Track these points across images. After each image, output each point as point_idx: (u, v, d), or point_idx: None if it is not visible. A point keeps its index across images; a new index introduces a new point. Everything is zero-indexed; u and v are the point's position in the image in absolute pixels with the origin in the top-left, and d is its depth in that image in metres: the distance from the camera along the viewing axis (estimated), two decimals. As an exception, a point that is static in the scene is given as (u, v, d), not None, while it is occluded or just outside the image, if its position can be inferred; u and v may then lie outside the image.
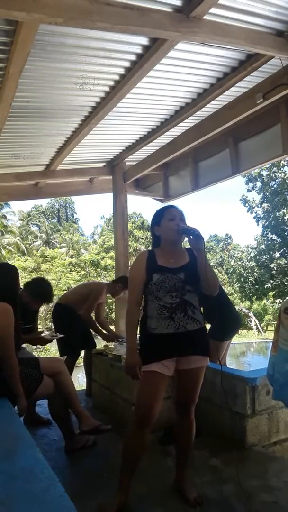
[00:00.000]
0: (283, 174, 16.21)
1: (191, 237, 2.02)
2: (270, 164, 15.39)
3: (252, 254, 18.52)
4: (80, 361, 4.34)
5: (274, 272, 17.58)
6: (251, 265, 18.47)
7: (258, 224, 17.74)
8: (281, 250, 17.66)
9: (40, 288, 3.42)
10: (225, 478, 2.32)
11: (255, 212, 17.49)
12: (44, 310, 21.92)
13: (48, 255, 26.27)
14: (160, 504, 2.07)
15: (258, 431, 2.76)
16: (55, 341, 3.64)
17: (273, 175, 16.39)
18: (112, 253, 21.89)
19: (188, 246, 2.16)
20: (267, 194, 16.68)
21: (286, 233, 17.27)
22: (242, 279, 19.09)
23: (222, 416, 2.92)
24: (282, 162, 15.38)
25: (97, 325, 4.10)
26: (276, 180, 16.46)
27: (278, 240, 17.70)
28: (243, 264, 18.87)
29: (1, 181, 4.89)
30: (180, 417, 2.16)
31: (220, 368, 2.57)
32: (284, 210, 16.24)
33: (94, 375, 3.85)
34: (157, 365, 1.98)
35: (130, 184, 5.64)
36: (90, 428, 2.87)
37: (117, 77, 2.99)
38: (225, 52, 2.82)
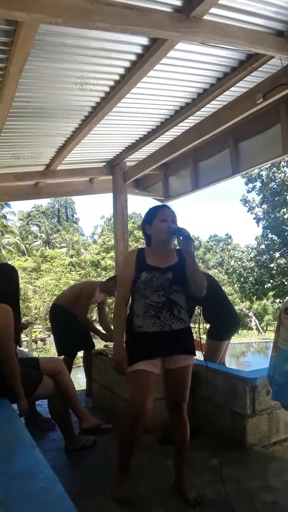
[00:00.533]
0: (283, 174, 16.21)
1: (181, 238, 2.03)
2: (270, 165, 15.40)
3: (252, 255, 18.53)
4: (80, 361, 4.35)
5: (274, 272, 17.58)
6: (251, 265, 18.48)
7: (258, 225, 17.76)
8: (281, 250, 17.67)
9: None
10: (225, 478, 2.31)
11: (255, 213, 17.50)
12: (44, 310, 21.97)
13: (48, 255, 26.30)
14: (160, 504, 2.07)
15: (258, 431, 2.76)
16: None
17: (273, 176, 16.39)
18: (112, 253, 21.91)
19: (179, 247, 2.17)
20: (267, 194, 16.68)
21: (286, 233, 17.27)
22: (242, 279, 19.09)
23: (222, 416, 2.92)
24: (282, 162, 15.39)
25: (93, 325, 4.11)
26: (276, 181, 16.46)
27: (278, 240, 17.71)
28: (243, 264, 18.88)
29: (1, 181, 4.89)
30: (173, 417, 2.16)
31: (205, 364, 2.66)
32: (284, 210, 16.24)
33: (94, 375, 3.86)
34: (143, 363, 2.01)
35: (130, 184, 5.64)
36: (90, 426, 2.87)
37: (117, 77, 2.99)
38: (225, 52, 2.82)
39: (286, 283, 17.41)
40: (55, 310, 4.09)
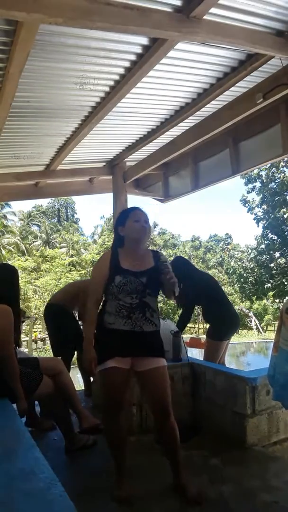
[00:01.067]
0: (283, 174, 16.22)
1: (167, 277, 2.05)
2: (270, 165, 15.41)
3: (252, 255, 18.53)
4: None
5: (274, 272, 17.59)
6: (251, 266, 18.48)
7: (258, 225, 17.77)
8: (281, 250, 17.68)
9: None
10: (225, 478, 2.31)
11: (255, 213, 17.51)
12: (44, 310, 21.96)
13: (48, 255, 26.29)
14: (160, 504, 2.06)
15: (258, 431, 2.76)
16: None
17: (272, 176, 16.41)
18: (112, 253, 21.82)
19: (153, 247, 2.19)
20: (267, 194, 16.69)
21: (286, 233, 17.28)
22: (242, 279, 19.11)
23: (222, 416, 2.92)
24: (281, 163, 15.40)
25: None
26: (276, 181, 16.47)
27: (278, 240, 17.71)
28: (243, 265, 18.88)
29: (1, 181, 4.89)
30: (160, 422, 2.13)
31: (187, 360, 2.70)
32: (284, 210, 16.24)
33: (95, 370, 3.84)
34: (114, 360, 2.03)
35: (130, 184, 5.64)
36: (90, 426, 2.87)
37: (117, 77, 2.99)
38: (225, 52, 2.82)
39: (286, 283, 17.41)
40: (51, 309, 3.99)
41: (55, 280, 20.88)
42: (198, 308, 5.41)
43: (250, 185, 17.24)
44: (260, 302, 22.40)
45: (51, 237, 38.52)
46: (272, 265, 17.57)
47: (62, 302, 3.93)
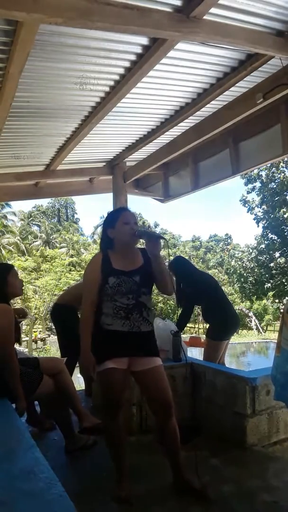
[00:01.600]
0: (282, 174, 16.22)
1: (149, 240, 2.05)
2: (270, 165, 15.41)
3: (253, 255, 18.53)
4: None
5: (274, 272, 17.59)
6: (251, 266, 18.48)
7: (258, 225, 17.77)
8: (281, 250, 17.68)
9: None
10: (225, 478, 2.31)
11: (255, 214, 17.51)
12: (44, 310, 21.96)
13: (48, 255, 26.29)
14: (160, 504, 2.06)
15: (258, 431, 2.76)
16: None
17: (272, 176, 16.40)
18: (112, 253, 21.80)
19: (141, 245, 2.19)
20: (266, 194, 16.69)
21: (286, 233, 17.28)
22: (242, 279, 19.10)
23: (222, 416, 2.92)
24: (281, 163, 15.40)
25: None
26: (275, 181, 16.47)
27: (278, 240, 17.71)
28: (243, 265, 18.88)
29: (1, 181, 4.89)
30: (161, 422, 2.13)
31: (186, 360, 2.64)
32: (284, 209, 16.24)
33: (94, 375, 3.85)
34: (112, 361, 2.03)
35: (130, 184, 5.63)
36: (90, 426, 2.87)
37: (117, 77, 2.99)
38: (225, 52, 2.82)
39: (286, 283, 17.41)
40: (59, 310, 3.99)
41: (55, 280, 20.87)
42: (198, 308, 5.40)
43: (250, 185, 17.24)
44: (260, 302, 22.40)
45: (51, 237, 38.53)
46: (272, 264, 17.58)
47: (69, 302, 3.94)
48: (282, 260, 17.35)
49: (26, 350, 17.84)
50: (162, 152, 4.73)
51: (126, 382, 2.13)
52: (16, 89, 2.74)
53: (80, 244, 35.96)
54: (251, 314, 22.37)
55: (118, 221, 2.14)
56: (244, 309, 22.05)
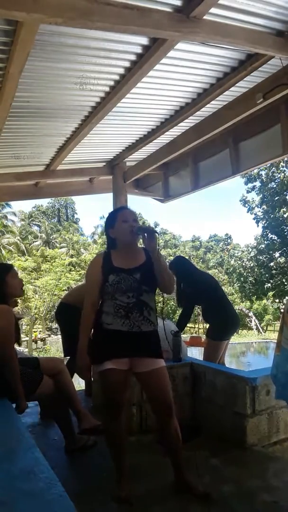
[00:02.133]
0: (282, 174, 16.22)
1: (146, 236, 2.05)
2: (269, 165, 15.41)
3: (252, 254, 18.53)
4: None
5: (274, 272, 17.59)
6: (251, 265, 18.48)
7: (258, 225, 17.77)
8: (281, 250, 17.68)
9: None
10: (225, 478, 2.31)
11: (255, 213, 17.51)
12: (44, 310, 21.96)
13: (48, 255, 26.28)
14: (160, 504, 2.07)
15: (258, 431, 2.76)
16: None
17: (272, 176, 16.41)
18: (112, 253, 21.78)
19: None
20: (266, 194, 16.69)
21: (285, 233, 17.28)
22: (242, 278, 19.10)
23: (222, 416, 2.92)
24: (281, 163, 15.40)
25: None
26: (275, 181, 16.47)
27: (278, 240, 17.71)
28: (243, 264, 18.88)
29: (1, 181, 4.89)
30: (162, 422, 2.13)
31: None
32: (284, 209, 16.25)
33: (94, 375, 3.85)
34: (111, 362, 2.02)
35: (130, 184, 5.63)
36: (90, 427, 2.87)
37: (117, 77, 2.99)
38: (225, 52, 2.82)
39: (286, 282, 17.41)
40: (66, 309, 3.92)
41: (55, 280, 20.87)
42: (198, 308, 5.40)
43: (250, 185, 17.24)
44: (260, 302, 22.40)
45: (51, 237, 38.54)
46: (271, 264, 17.58)
47: (77, 302, 3.91)
48: (282, 259, 17.36)
49: (26, 350, 17.84)
50: (162, 152, 4.73)
51: (127, 383, 2.13)
52: (16, 89, 2.74)
53: (80, 244, 35.98)
54: (251, 314, 22.37)
55: (117, 220, 2.15)
56: (244, 309, 22.05)
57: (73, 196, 36.66)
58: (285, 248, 17.50)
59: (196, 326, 21.39)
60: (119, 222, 2.13)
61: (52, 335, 23.56)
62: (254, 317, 22.20)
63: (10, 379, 2.27)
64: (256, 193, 17.24)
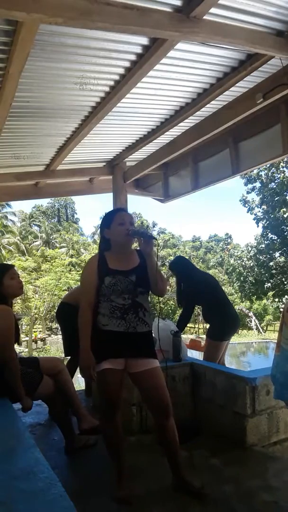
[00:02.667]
0: (282, 174, 16.22)
1: (142, 239, 2.06)
2: (269, 165, 15.42)
3: (252, 253, 18.53)
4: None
5: (273, 271, 17.59)
6: (251, 264, 18.48)
7: (258, 225, 17.77)
8: (281, 250, 17.69)
9: None
10: (225, 478, 2.31)
11: (255, 214, 17.52)
12: (44, 310, 21.95)
13: (48, 255, 26.28)
14: (160, 504, 2.06)
15: (258, 431, 2.76)
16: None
17: (272, 176, 16.41)
18: (112, 253, 21.77)
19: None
20: (266, 194, 16.70)
21: (285, 233, 17.29)
22: (241, 278, 19.10)
23: (222, 416, 2.92)
24: (281, 163, 15.40)
25: None
26: (275, 181, 16.48)
27: (278, 240, 17.72)
28: (243, 263, 18.88)
29: (1, 181, 4.89)
30: (160, 422, 2.13)
31: (165, 365, 2.66)
32: (284, 209, 16.25)
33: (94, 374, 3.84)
34: (108, 362, 2.04)
35: (130, 184, 5.63)
36: (90, 427, 2.87)
37: (117, 77, 2.99)
38: (225, 52, 2.82)
39: (285, 282, 17.42)
40: (67, 308, 3.89)
41: (55, 280, 20.86)
42: (198, 308, 5.40)
43: (250, 185, 17.25)
44: (260, 302, 22.41)
45: (51, 237, 38.54)
46: (271, 263, 17.58)
47: (74, 302, 3.90)
48: (282, 259, 17.36)
49: (26, 350, 17.86)
50: (162, 152, 4.73)
51: (122, 383, 2.13)
52: (16, 89, 2.73)
53: (80, 244, 35.97)
54: (251, 314, 22.37)
55: (113, 222, 2.15)
56: (244, 309, 22.04)
57: (73, 196, 36.68)
58: (285, 248, 17.51)
59: (196, 326, 21.40)
60: (115, 224, 2.14)
61: (52, 335, 23.57)
62: (254, 317, 22.20)
63: (11, 380, 2.27)
64: (256, 194, 17.26)
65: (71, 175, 5.29)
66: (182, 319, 3.85)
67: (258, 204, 17.26)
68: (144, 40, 2.55)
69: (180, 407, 3.02)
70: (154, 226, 39.56)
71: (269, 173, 16.41)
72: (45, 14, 1.95)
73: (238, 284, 19.87)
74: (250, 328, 22.05)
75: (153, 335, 2.24)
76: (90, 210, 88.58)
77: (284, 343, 2.17)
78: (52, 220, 46.78)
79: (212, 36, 2.37)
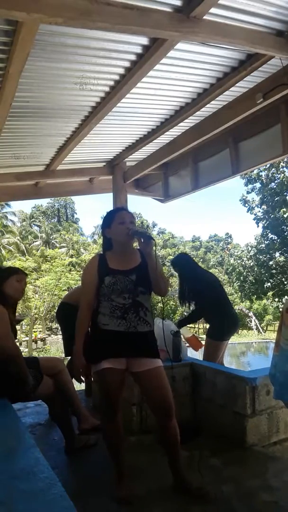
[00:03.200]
0: (282, 174, 16.23)
1: (142, 240, 2.06)
2: (269, 165, 15.42)
3: (252, 253, 18.54)
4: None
5: (273, 271, 17.60)
6: (251, 264, 18.49)
7: (258, 225, 17.78)
8: (281, 250, 17.69)
9: None
10: (225, 478, 2.31)
11: (255, 214, 17.52)
12: (44, 310, 21.95)
13: (48, 255, 26.29)
14: (160, 504, 2.06)
15: (258, 431, 2.76)
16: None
17: (272, 176, 16.42)
18: (112, 253, 21.78)
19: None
20: (266, 194, 16.71)
21: (285, 233, 17.29)
22: (241, 278, 19.10)
23: (222, 416, 2.92)
24: (281, 163, 15.41)
25: None
26: (275, 181, 16.49)
27: (278, 240, 17.73)
28: (243, 263, 18.88)
29: (1, 181, 4.89)
30: (161, 422, 2.13)
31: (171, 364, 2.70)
32: (284, 209, 16.26)
33: (93, 375, 3.85)
34: (108, 361, 2.03)
35: (130, 184, 5.63)
36: (90, 427, 2.87)
37: (117, 77, 2.99)
38: (225, 52, 2.82)
39: (285, 282, 17.42)
40: (67, 308, 3.87)
41: (55, 280, 20.86)
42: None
43: (250, 186, 17.26)
44: (260, 302, 22.38)
45: (51, 237, 38.56)
46: (271, 263, 17.58)
47: (74, 302, 3.89)
48: (281, 259, 17.37)
49: (26, 350, 17.85)
50: (162, 152, 4.73)
51: (123, 383, 2.13)
52: (16, 89, 2.73)
53: (80, 244, 35.98)
54: (251, 314, 22.35)
55: (113, 221, 2.16)
56: (244, 309, 22.02)
57: (73, 196, 36.68)
58: (285, 248, 17.51)
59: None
60: (116, 223, 2.14)
61: (52, 335, 23.58)
62: (254, 317, 22.18)
63: (19, 374, 2.26)
64: (256, 194, 17.28)
65: (71, 175, 5.29)
66: (185, 320, 3.85)
67: (258, 204, 17.27)
68: (144, 40, 2.55)
69: (180, 407, 3.01)
70: (154, 226, 39.57)
71: (269, 173, 16.41)
72: (45, 14, 1.95)
73: (238, 284, 19.87)
74: (250, 328, 22.02)
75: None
76: (90, 210, 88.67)
77: (284, 343, 2.16)
78: (52, 220, 46.80)
79: (212, 36, 2.37)
